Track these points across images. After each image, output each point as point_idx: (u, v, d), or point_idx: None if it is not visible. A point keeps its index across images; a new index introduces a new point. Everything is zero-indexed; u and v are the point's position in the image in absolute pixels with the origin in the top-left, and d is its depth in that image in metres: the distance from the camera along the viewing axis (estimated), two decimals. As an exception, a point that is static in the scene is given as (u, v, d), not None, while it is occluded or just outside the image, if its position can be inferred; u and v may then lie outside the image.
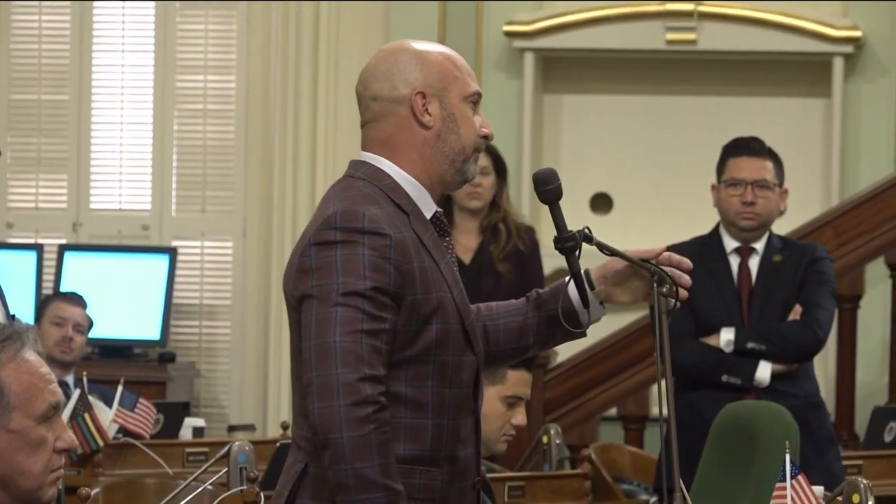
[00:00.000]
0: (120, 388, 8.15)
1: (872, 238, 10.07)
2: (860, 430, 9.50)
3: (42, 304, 9.58)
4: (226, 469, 6.88)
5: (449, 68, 4.95)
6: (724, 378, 8.11)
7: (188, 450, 8.25)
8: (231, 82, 11.96)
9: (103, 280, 11.08)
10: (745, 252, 8.33)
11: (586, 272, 4.99)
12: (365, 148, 4.96)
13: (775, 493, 6.08)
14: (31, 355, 4.17)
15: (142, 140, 12.15)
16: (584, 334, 5.15)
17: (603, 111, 11.15)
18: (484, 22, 11.13)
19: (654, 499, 7.46)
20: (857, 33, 10.77)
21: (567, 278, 5.09)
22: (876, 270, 10.21)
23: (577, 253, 5.01)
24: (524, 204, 10.34)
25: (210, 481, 6.78)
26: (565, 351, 10.13)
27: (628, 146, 11.05)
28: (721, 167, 8.36)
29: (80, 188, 11.98)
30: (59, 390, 4.33)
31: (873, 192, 10.20)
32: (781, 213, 8.46)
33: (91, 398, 8.44)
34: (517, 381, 6.20)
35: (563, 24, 10.97)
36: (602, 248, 5.01)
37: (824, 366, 9.20)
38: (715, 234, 8.40)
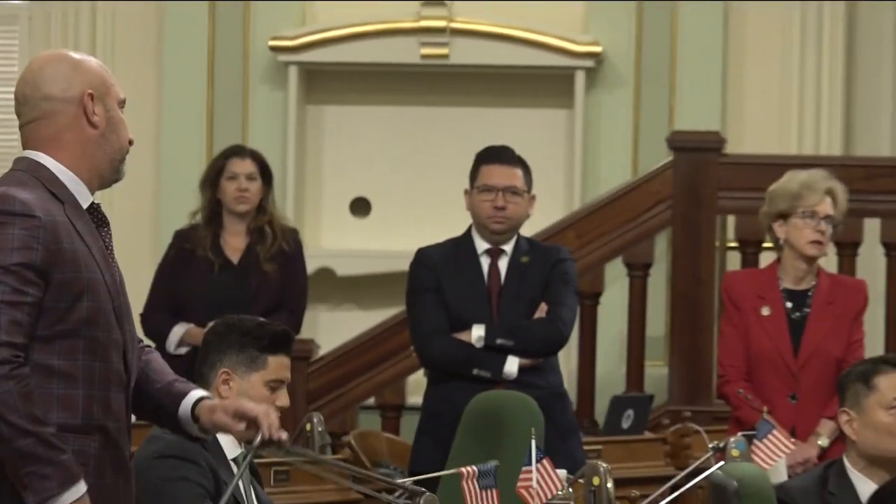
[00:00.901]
0: None
1: (612, 239, 10.30)
2: (600, 417, 9.71)
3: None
4: None
5: (105, 75, 5.04)
6: (475, 371, 8.20)
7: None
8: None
9: None
10: (495, 253, 8.46)
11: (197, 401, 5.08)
12: (28, 146, 4.99)
13: (521, 476, 6.25)
14: None
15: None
16: (198, 439, 5.27)
17: (363, 121, 11.13)
18: (250, 37, 11.09)
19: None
20: (598, 49, 10.90)
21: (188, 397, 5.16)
22: (614, 269, 10.37)
23: None
24: (288, 208, 10.41)
25: None
26: (326, 345, 10.30)
27: (386, 154, 11.04)
28: (474, 174, 8.50)
29: None
30: None
31: (612, 196, 10.45)
32: (528, 216, 8.58)
33: None
34: (278, 365, 6.18)
35: (324, 40, 10.99)
36: None
37: (567, 358, 9.33)
38: (467, 236, 8.53)
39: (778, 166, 9.09)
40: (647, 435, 8.75)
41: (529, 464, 6.24)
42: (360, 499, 7.98)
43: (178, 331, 9.01)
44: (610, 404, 9.37)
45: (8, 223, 4.84)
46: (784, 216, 8.44)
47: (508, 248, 8.52)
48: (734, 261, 10.21)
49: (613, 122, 11.04)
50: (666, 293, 10.41)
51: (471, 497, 6.22)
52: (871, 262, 9.98)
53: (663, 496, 6.94)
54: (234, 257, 9.33)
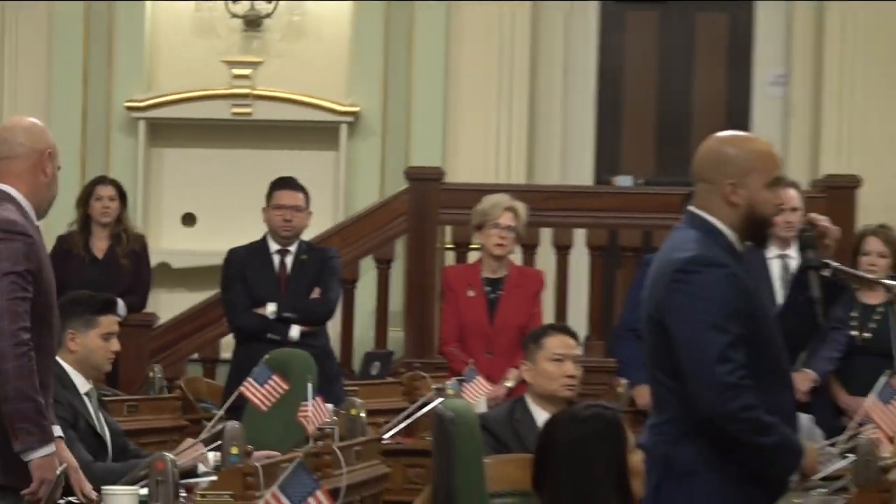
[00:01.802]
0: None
1: (365, 242, 10.22)
2: (356, 367, 9.65)
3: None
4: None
5: (54, 143, 5.03)
6: (269, 335, 8.22)
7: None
8: None
9: None
10: (283, 253, 8.47)
11: None
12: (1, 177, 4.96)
13: (301, 409, 6.19)
14: None
15: None
16: None
17: (190, 159, 10.94)
18: (113, 99, 10.88)
19: None
20: (356, 108, 10.78)
21: None
22: (367, 263, 10.33)
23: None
24: (138, 220, 10.22)
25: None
26: (164, 316, 10.13)
27: (207, 182, 10.84)
28: (269, 196, 8.49)
29: None
30: None
31: (365, 212, 10.39)
32: (307, 226, 8.61)
33: None
34: (108, 321, 6.13)
35: (163, 102, 10.81)
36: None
37: (333, 326, 9.26)
38: (264, 240, 8.53)
39: (479, 191, 9.17)
40: (389, 379, 8.68)
41: (307, 400, 6.21)
42: (187, 425, 7.81)
43: (57, 307, 8.95)
44: (363, 358, 9.41)
45: (16, 240, 4.84)
46: (480, 227, 8.59)
47: (293, 249, 8.52)
48: (450, 258, 10.13)
49: (367, 161, 10.92)
50: (402, 280, 10.32)
51: (256, 396, 6.25)
52: (546, 259, 9.97)
53: (400, 422, 7.11)
54: (100, 255, 9.27)
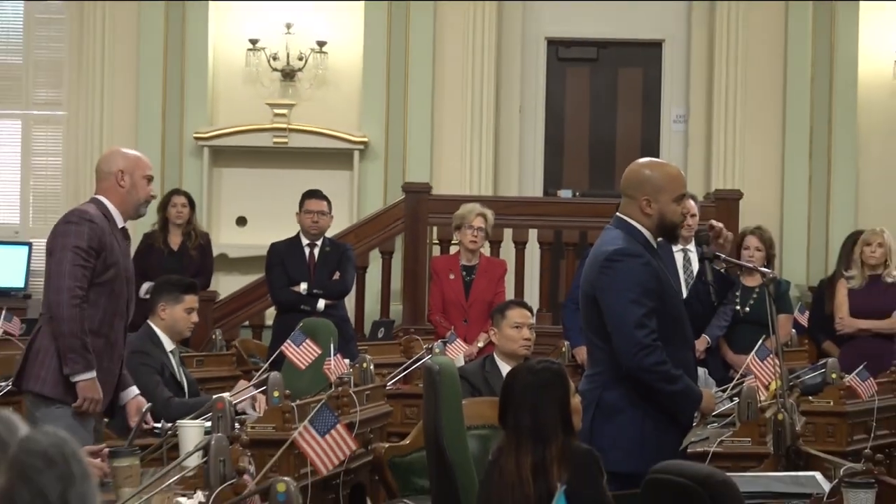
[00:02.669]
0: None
1: (373, 239, 10.22)
2: (366, 331, 9.49)
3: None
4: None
5: (136, 163, 5.16)
6: (302, 307, 8.19)
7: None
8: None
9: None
10: (312, 246, 8.42)
11: None
12: (98, 191, 5.15)
13: (325, 364, 6.18)
14: None
15: None
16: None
17: (242, 176, 10.86)
18: (184, 131, 10.81)
19: None
20: (365, 138, 10.72)
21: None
22: (375, 254, 10.24)
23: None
24: (203, 221, 10.12)
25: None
26: (224, 292, 10.07)
27: (255, 194, 10.76)
28: (301, 203, 8.47)
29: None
30: None
31: (373, 216, 10.35)
32: (329, 226, 8.55)
33: None
34: (190, 300, 6.10)
35: (221, 134, 10.74)
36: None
37: (350, 301, 9.30)
38: (297, 236, 8.48)
39: (458, 201, 9.13)
40: (392, 341, 8.65)
41: (329, 356, 6.21)
42: (241, 375, 7.69)
43: (144, 286, 8.87)
44: (371, 325, 9.32)
45: (84, 224, 4.96)
46: (459, 227, 8.57)
47: (319, 243, 8.48)
48: (437, 251, 10.06)
49: (373, 178, 10.85)
50: (401, 267, 10.27)
51: (293, 354, 6.21)
52: (507, 251, 9.93)
53: (400, 373, 7.09)
54: (175, 248, 9.23)
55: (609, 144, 11.35)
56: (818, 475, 4.35)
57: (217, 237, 10.52)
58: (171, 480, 3.81)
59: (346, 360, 6.43)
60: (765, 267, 6.89)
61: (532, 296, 9.94)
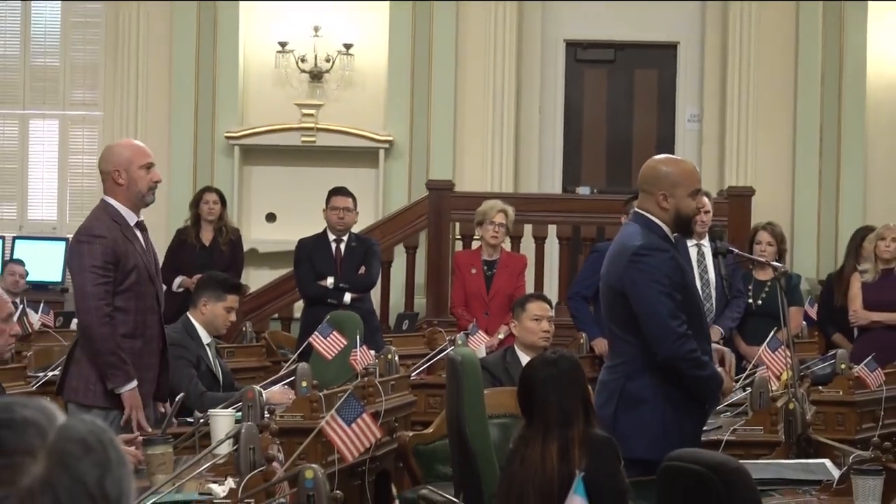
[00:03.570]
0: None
1: (398, 234, 10.22)
2: (391, 324, 9.51)
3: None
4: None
5: (130, 155, 5.02)
6: (329, 300, 8.14)
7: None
8: None
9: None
10: (338, 241, 8.38)
11: None
12: (104, 191, 5.07)
13: (351, 355, 6.14)
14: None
15: None
16: None
17: (272, 174, 10.85)
18: (216, 130, 10.79)
19: None
20: (391, 138, 10.71)
21: None
22: (399, 249, 10.19)
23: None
24: (234, 217, 10.07)
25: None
26: (254, 286, 10.11)
27: (284, 190, 10.77)
28: (328, 200, 8.42)
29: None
30: (12, 307, 4.21)
31: (398, 212, 10.37)
32: (355, 223, 8.51)
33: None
34: (232, 300, 6.08)
35: (252, 133, 10.75)
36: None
37: (375, 293, 9.28)
38: (324, 232, 8.43)
39: (480, 197, 9.09)
40: (416, 333, 8.65)
41: (356, 347, 6.19)
42: (270, 366, 7.76)
43: (177, 280, 8.94)
44: (396, 317, 9.36)
45: (95, 242, 4.93)
46: (481, 223, 8.55)
47: (345, 238, 8.45)
48: (459, 246, 10.05)
49: (398, 175, 10.84)
50: (425, 262, 10.26)
51: (320, 345, 6.21)
52: (528, 246, 9.90)
53: (423, 364, 7.08)
54: (207, 243, 9.17)
55: (626, 143, 11.33)
56: (828, 462, 4.35)
57: (247, 233, 10.53)
58: (203, 467, 3.82)
59: (372, 352, 6.42)
60: (776, 261, 6.88)
61: (551, 289, 9.92)
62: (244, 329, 8.53)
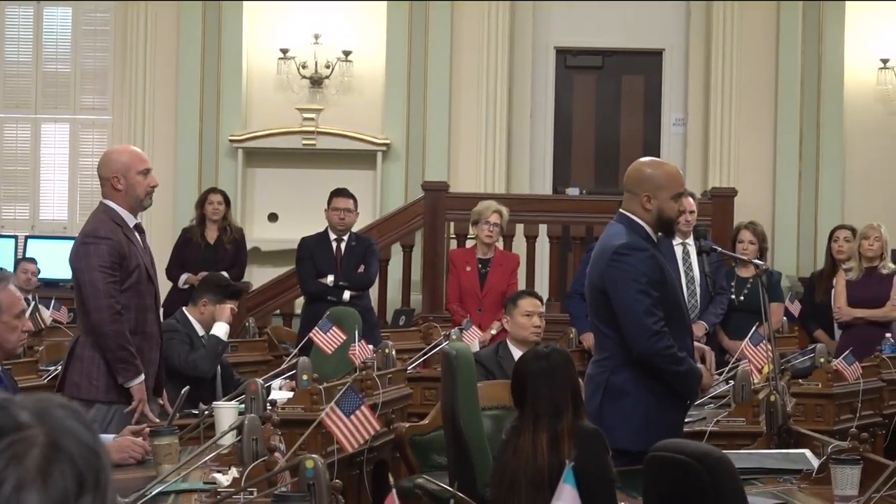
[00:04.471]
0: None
1: (395, 233, 10.20)
2: (389, 319, 9.58)
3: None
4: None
5: (128, 161, 4.99)
6: (329, 297, 8.13)
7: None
8: None
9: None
10: (339, 241, 8.38)
11: None
12: (103, 195, 5.02)
13: (350, 350, 6.15)
14: (11, 286, 3.95)
15: None
16: None
17: (274, 176, 10.80)
18: (220, 134, 10.75)
19: None
20: (388, 141, 10.71)
21: None
22: (396, 248, 10.22)
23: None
24: (238, 216, 10.04)
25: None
26: (256, 283, 10.08)
27: (285, 191, 10.72)
28: (329, 201, 8.42)
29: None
30: (24, 304, 4.11)
31: (395, 212, 10.35)
32: (355, 222, 8.52)
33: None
34: (231, 303, 6.16)
35: (255, 136, 10.70)
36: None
37: (373, 291, 9.24)
38: (325, 232, 8.42)
39: (474, 198, 9.10)
40: (412, 328, 8.66)
41: (354, 342, 6.18)
42: (272, 360, 7.72)
43: (183, 276, 8.92)
44: (393, 313, 9.40)
45: (100, 243, 4.90)
46: (475, 223, 8.54)
47: (345, 238, 8.44)
48: (454, 244, 10.03)
49: (395, 177, 10.82)
50: (421, 260, 10.26)
51: (320, 340, 6.19)
52: (520, 245, 9.92)
53: (419, 358, 7.07)
54: (211, 241, 9.14)
55: (613, 146, 11.32)
56: (808, 452, 4.35)
57: (250, 232, 10.51)
58: (208, 458, 3.83)
59: (370, 346, 6.42)
60: (758, 259, 6.87)
61: (542, 286, 9.92)
62: (247, 324, 8.54)
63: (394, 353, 6.39)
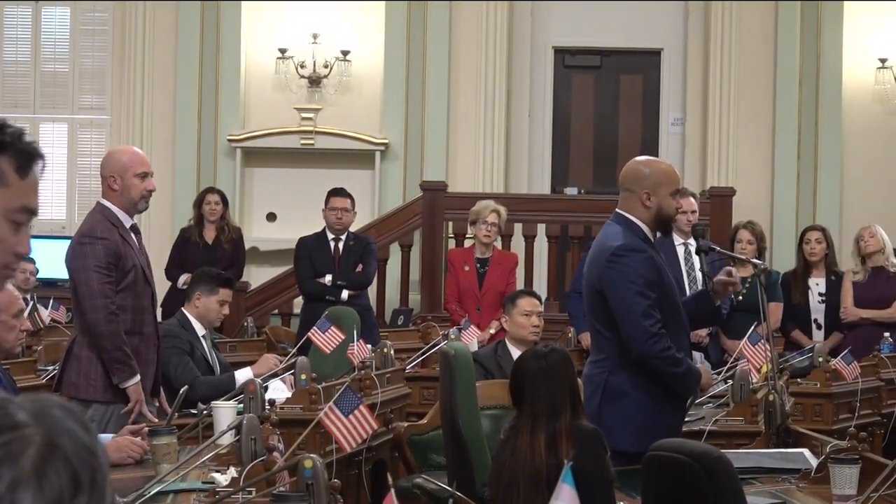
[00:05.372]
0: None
1: (394, 233, 10.19)
2: (387, 319, 9.56)
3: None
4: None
5: (127, 163, 5.00)
6: (327, 297, 8.17)
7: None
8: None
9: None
10: (337, 240, 8.40)
11: None
12: (102, 194, 5.04)
13: (349, 349, 6.12)
14: (10, 286, 3.92)
15: None
16: None
17: (272, 175, 10.81)
18: (218, 134, 10.75)
19: None
20: (386, 140, 10.71)
21: None
22: (395, 248, 10.20)
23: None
24: (236, 216, 10.06)
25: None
26: (255, 283, 10.04)
27: (284, 190, 10.71)
28: (327, 200, 8.46)
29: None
30: (23, 303, 4.16)
31: (393, 212, 10.34)
32: (353, 222, 8.54)
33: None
34: (225, 293, 6.03)
35: (252, 136, 10.70)
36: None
37: (371, 290, 9.25)
38: (323, 231, 8.46)
39: (472, 198, 9.13)
40: (411, 328, 8.66)
41: (353, 342, 6.17)
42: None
43: (182, 277, 8.93)
44: (392, 313, 9.39)
45: (96, 243, 4.91)
46: (474, 222, 8.55)
47: (343, 237, 8.46)
48: (452, 244, 10.04)
49: (393, 176, 10.83)
50: (420, 259, 10.25)
51: (319, 340, 6.17)
52: (518, 244, 9.91)
53: (418, 358, 7.06)
54: (209, 241, 9.17)
55: (612, 145, 11.32)
56: (806, 452, 4.35)
57: (249, 232, 10.52)
58: (207, 457, 3.83)
59: (369, 346, 6.41)
60: (756, 259, 6.87)
61: (540, 286, 9.92)
62: (245, 324, 8.50)
63: (392, 352, 6.38)
